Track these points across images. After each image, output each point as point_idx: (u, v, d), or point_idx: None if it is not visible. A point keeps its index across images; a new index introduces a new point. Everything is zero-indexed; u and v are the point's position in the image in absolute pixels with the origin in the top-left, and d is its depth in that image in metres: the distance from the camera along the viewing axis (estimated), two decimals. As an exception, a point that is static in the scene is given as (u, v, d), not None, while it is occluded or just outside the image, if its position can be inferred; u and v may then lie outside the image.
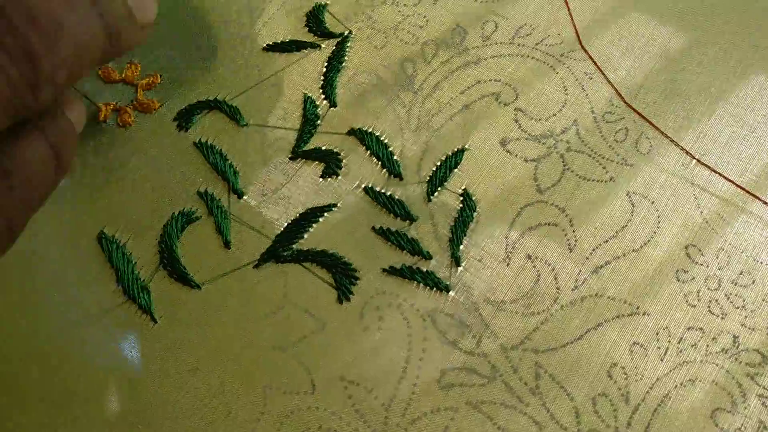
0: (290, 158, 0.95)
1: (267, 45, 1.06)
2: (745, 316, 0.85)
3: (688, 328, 0.84)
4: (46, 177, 0.46)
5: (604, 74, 0.99)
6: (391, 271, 0.87)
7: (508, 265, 0.87)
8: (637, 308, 0.84)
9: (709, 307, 0.85)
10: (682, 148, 0.95)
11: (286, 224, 0.91)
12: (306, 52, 1.05)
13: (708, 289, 0.86)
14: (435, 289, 0.86)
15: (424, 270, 0.87)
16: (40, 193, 0.47)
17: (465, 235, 0.90)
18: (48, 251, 0.91)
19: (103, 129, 1.01)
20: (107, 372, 0.84)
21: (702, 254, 0.88)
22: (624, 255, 0.88)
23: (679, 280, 0.87)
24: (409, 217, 0.90)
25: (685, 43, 1.04)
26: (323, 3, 1.09)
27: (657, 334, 0.84)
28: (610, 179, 0.92)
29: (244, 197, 0.93)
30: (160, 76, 1.05)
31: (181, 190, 0.95)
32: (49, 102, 0.43)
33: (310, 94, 1.00)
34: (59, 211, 0.94)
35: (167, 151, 0.98)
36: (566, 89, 0.99)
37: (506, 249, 0.88)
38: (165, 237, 0.92)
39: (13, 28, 0.39)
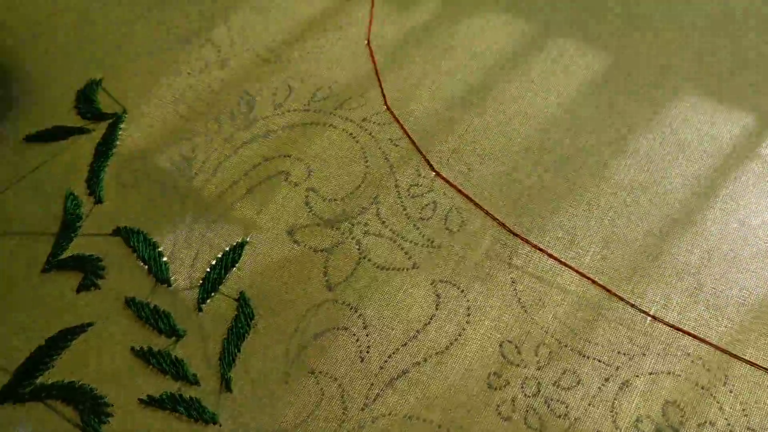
0: (43, 271, 0.84)
1: (27, 136, 0.95)
2: (568, 427, 0.73)
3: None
4: None
5: (411, 139, 0.89)
6: (150, 401, 0.75)
7: (287, 383, 0.76)
8: (439, 427, 0.72)
9: (525, 418, 0.74)
10: (500, 222, 0.84)
11: (29, 354, 0.80)
12: (74, 139, 0.94)
13: (525, 395, 0.75)
14: (200, 420, 0.74)
15: (188, 397, 0.75)
16: None
17: (239, 351, 0.79)
18: None
19: None
20: None
21: (519, 351, 0.77)
22: (426, 360, 0.77)
23: (491, 387, 0.75)
24: (174, 332, 0.79)
25: (502, 101, 0.94)
26: (97, 79, 0.98)
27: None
28: (413, 266, 0.82)
29: (-19, 324, 0.82)
30: None
31: None
32: None
33: (73, 190, 0.89)
34: None
35: None
36: (367, 161, 0.89)
37: (287, 364, 0.78)
38: None
39: None
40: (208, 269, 0.85)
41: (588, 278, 0.82)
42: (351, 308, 0.82)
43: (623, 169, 0.89)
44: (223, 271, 0.85)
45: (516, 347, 0.79)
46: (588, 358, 0.78)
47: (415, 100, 0.93)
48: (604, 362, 0.78)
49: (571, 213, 0.86)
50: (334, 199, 0.88)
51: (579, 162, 0.89)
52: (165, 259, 0.86)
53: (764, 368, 0.78)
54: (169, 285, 0.85)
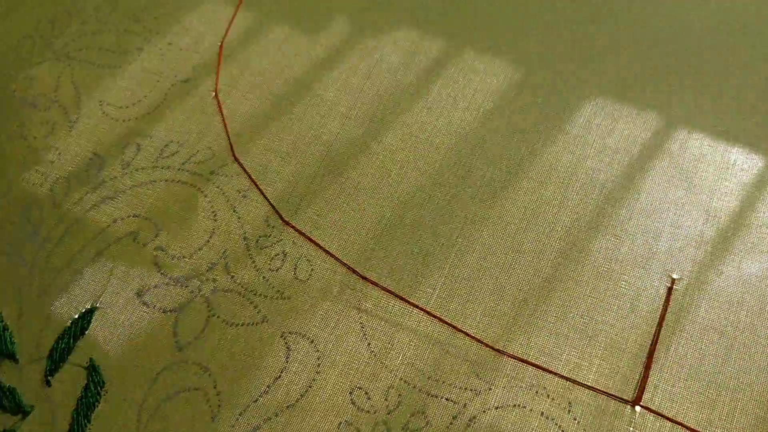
0: None
1: None
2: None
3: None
4: None
5: (260, 190, 0.90)
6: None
7: (139, 451, 0.75)
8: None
9: (375, 465, 0.75)
10: (350, 267, 0.85)
11: None
12: None
13: (375, 441, 0.75)
14: (49, 499, 0.73)
15: (36, 477, 0.74)
16: None
17: (89, 422, 0.78)
18: None
19: None
20: None
21: (369, 397, 0.78)
22: (277, 415, 0.77)
23: (342, 436, 0.76)
24: (20, 409, 0.77)
25: (349, 144, 0.95)
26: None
27: None
28: (263, 320, 0.82)
29: None
30: None
31: None
32: None
33: None
34: None
35: None
36: (215, 214, 0.88)
37: (139, 430, 0.76)
38: None
39: None
40: (57, 339, 0.84)
41: (435, 317, 0.84)
42: (201, 368, 0.82)
43: (468, 204, 0.91)
44: (71, 340, 0.84)
45: (366, 393, 0.80)
46: (436, 397, 0.79)
47: (264, 148, 0.94)
48: (451, 400, 0.79)
49: (418, 252, 0.88)
50: (183, 257, 0.88)
51: (427, 200, 0.91)
52: (10, 332, 0.85)
53: (605, 392, 0.80)
54: (15, 359, 0.83)
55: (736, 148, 0.96)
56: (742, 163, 0.95)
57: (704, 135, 0.97)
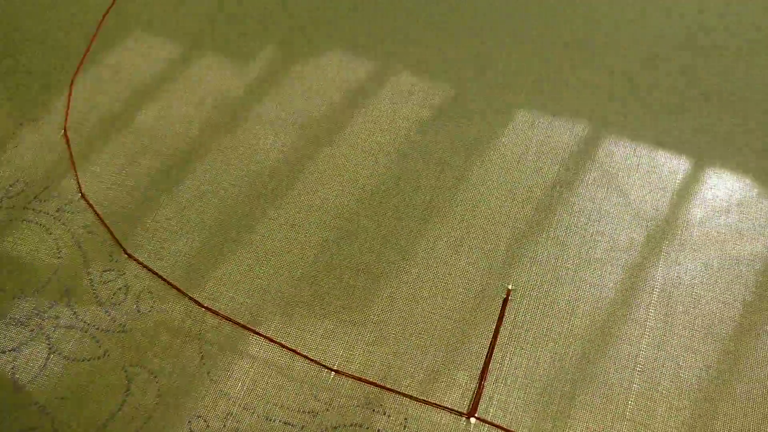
0: None
1: None
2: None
3: None
4: None
5: (105, 224, 0.90)
6: None
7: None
8: None
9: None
10: (190, 297, 0.86)
11: None
12: None
13: (212, 469, 0.75)
14: None
15: None
16: None
17: None
18: None
19: None
20: None
21: (207, 425, 0.79)
22: (114, 449, 0.76)
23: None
24: None
25: (194, 177, 0.96)
26: None
27: None
28: (104, 354, 0.82)
29: None
30: None
31: None
32: None
33: None
34: None
35: None
36: (60, 252, 0.89)
37: (-27, 474, 0.75)
38: None
39: None
40: None
41: (274, 342, 0.85)
42: (38, 407, 0.82)
43: (310, 225, 0.93)
44: None
45: (205, 421, 0.81)
46: (273, 421, 0.81)
47: (112, 183, 0.95)
48: (289, 423, 0.80)
49: (259, 278, 0.89)
50: (24, 296, 0.88)
51: (264, 227, 0.93)
52: None
53: (440, 406, 0.82)
54: None
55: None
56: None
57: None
